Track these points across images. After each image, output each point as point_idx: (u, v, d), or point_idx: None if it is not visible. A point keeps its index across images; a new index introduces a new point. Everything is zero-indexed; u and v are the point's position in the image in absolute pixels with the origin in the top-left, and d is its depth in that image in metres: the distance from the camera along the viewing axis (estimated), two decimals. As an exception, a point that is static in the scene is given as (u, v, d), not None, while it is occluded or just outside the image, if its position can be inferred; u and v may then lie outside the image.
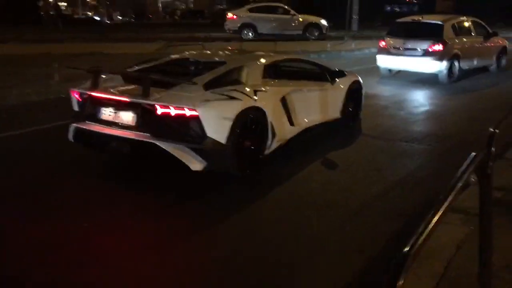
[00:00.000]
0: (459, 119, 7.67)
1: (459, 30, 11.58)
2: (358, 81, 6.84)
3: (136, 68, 5.33)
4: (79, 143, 4.89)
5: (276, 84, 5.35)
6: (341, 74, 6.50)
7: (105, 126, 4.57)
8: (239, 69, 5.02)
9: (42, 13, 29.26)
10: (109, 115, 4.57)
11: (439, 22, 11.40)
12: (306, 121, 5.72)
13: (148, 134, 4.31)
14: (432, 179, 4.82)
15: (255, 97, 4.76)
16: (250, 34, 22.10)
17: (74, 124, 4.76)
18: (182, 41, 18.73)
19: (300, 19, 22.20)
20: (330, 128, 6.37)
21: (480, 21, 12.53)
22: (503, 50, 13.12)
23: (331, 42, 19.19)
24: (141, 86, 4.33)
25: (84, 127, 4.66)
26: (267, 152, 5.07)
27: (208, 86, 4.51)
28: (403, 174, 5.02)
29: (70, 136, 4.85)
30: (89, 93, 4.66)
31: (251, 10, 22.89)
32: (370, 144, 6.18)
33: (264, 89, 4.98)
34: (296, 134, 5.55)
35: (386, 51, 11.89)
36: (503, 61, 13.24)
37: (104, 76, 4.88)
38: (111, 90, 4.61)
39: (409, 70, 11.71)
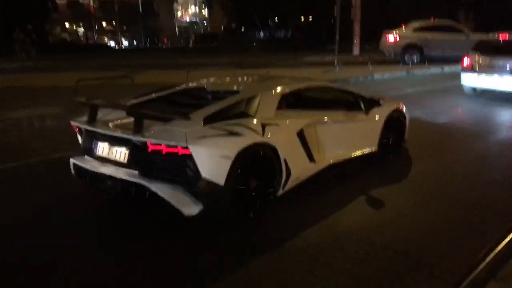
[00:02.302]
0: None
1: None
2: (399, 110, 6.07)
3: (140, 99, 5.00)
4: (81, 179, 4.62)
5: (293, 115, 4.78)
6: (378, 102, 5.79)
7: (100, 162, 4.27)
8: (249, 99, 4.52)
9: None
10: (104, 150, 4.25)
11: None
12: (332, 156, 5.08)
13: (136, 173, 3.92)
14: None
15: (264, 132, 4.23)
16: (415, 58, 19.30)
17: (72, 159, 4.50)
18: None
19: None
20: (367, 163, 5.66)
21: None
22: None
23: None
24: (133, 121, 3.97)
25: (79, 162, 4.38)
26: (280, 192, 4.50)
27: (208, 120, 4.05)
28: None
29: (72, 171, 4.60)
30: (85, 127, 4.39)
31: (418, 30, 19.64)
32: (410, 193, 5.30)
33: (276, 122, 4.43)
34: (319, 171, 4.92)
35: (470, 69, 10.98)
36: None
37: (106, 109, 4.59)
38: (107, 124, 4.30)
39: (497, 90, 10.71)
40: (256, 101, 4.52)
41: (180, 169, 3.84)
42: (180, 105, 4.83)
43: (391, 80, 15.96)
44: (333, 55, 20.12)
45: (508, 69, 10.22)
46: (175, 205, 3.79)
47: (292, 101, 5.09)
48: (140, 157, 3.94)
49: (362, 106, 5.58)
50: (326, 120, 5.06)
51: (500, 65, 10.38)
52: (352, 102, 5.64)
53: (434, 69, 18.15)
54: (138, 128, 3.92)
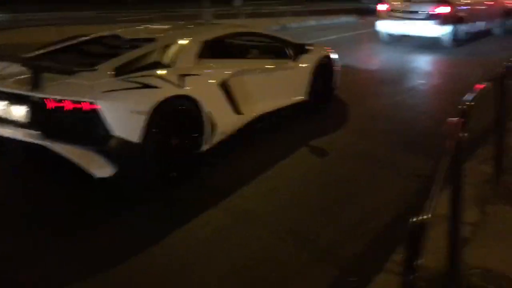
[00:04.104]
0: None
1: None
2: (328, 56, 5.86)
3: (45, 50, 4.49)
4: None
5: (216, 64, 4.46)
6: (306, 48, 5.53)
7: None
8: (165, 48, 4.14)
9: None
10: (2, 110, 3.78)
11: None
12: (260, 107, 4.84)
13: (39, 133, 3.52)
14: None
15: (183, 83, 3.90)
16: None
17: None
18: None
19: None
20: (297, 112, 5.47)
21: None
22: (509, 12, 11.84)
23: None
24: (31, 76, 3.52)
25: None
26: (206, 147, 4.24)
27: (118, 72, 3.67)
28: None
29: None
30: None
31: None
32: (341, 136, 5.20)
33: (197, 73, 4.10)
34: (247, 123, 4.68)
35: (386, 14, 10.81)
36: (509, 23, 11.99)
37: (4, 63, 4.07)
38: (4, 80, 3.81)
39: (412, 35, 10.67)
40: (174, 50, 4.16)
41: (87, 128, 3.47)
42: (90, 56, 4.38)
43: (304, 29, 15.34)
44: (217, 7, 17.89)
45: (422, 13, 10.19)
46: (84, 167, 3.46)
47: (216, 50, 4.73)
48: (41, 116, 3.53)
49: (290, 52, 5.32)
50: (252, 69, 4.78)
51: (415, 10, 10.34)
52: (279, 49, 5.36)
53: (347, 18, 17.83)
54: (36, 82, 3.48)
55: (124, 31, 4.94)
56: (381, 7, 11.05)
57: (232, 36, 5.12)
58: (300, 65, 5.39)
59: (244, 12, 17.21)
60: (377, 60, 9.92)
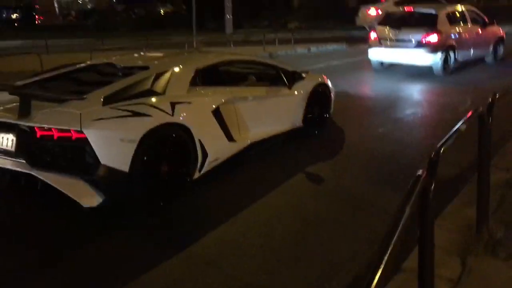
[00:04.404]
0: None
1: (454, 19, 10.53)
2: (323, 83, 5.86)
3: (35, 78, 4.42)
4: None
5: (209, 92, 4.42)
6: (301, 76, 5.53)
7: None
8: (158, 76, 4.10)
9: None
10: None
11: (433, 11, 10.36)
12: (254, 134, 4.78)
13: (26, 162, 3.42)
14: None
15: (174, 111, 3.84)
16: None
17: None
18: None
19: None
20: (290, 139, 5.41)
21: (476, 10, 11.48)
22: (500, 40, 12.01)
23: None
24: (19, 104, 3.44)
25: None
26: (197, 175, 4.16)
27: (108, 100, 3.60)
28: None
29: None
30: None
31: (398, 3, 17.28)
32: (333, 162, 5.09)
33: (188, 100, 4.06)
34: (239, 150, 4.62)
35: (377, 43, 10.90)
36: (500, 52, 12.13)
37: None
38: None
39: (402, 63, 10.73)
40: (166, 78, 4.12)
41: (75, 156, 3.40)
42: (82, 84, 4.33)
43: (293, 57, 14.85)
44: (206, 35, 18.11)
45: (411, 41, 10.26)
46: (72, 196, 3.36)
47: (209, 77, 4.70)
48: (28, 144, 3.44)
49: (285, 80, 5.31)
50: (246, 96, 4.75)
51: (405, 38, 10.40)
52: (274, 76, 5.35)
53: (336, 45, 17.74)
54: (24, 110, 3.41)
55: (118, 59, 4.90)
56: (372, 35, 11.16)
57: (226, 64, 5.11)
58: (295, 92, 5.37)
59: (233, 40, 17.32)
60: (366, 88, 9.87)
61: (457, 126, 2.58)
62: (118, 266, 3.05)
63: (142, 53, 5.42)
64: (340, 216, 3.72)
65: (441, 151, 2.24)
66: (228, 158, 4.49)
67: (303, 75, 5.60)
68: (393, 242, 1.45)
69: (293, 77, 5.41)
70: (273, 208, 3.91)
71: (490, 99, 3.18)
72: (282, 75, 5.32)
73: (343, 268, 2.96)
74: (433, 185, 1.95)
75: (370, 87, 9.96)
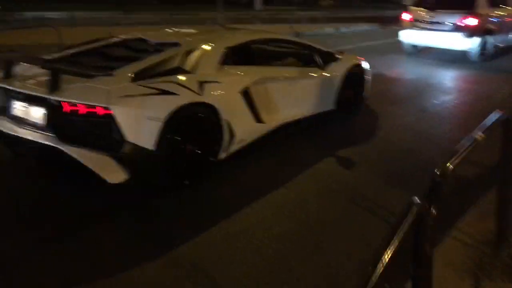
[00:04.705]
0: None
1: (494, 2, 10.05)
2: (359, 65, 5.68)
3: (67, 52, 4.39)
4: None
5: (239, 72, 4.32)
6: (336, 57, 5.37)
7: (16, 123, 3.73)
8: (187, 53, 4.02)
9: None
10: (21, 110, 3.71)
11: None
12: (282, 116, 4.69)
13: (54, 136, 3.43)
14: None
15: (202, 90, 3.78)
16: None
17: None
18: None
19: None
20: (323, 121, 5.27)
21: None
22: None
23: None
24: (49, 78, 3.43)
25: None
26: (223, 155, 4.11)
27: (137, 77, 3.56)
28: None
29: None
30: (1, 84, 3.82)
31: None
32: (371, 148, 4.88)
33: (218, 80, 3.98)
34: (267, 132, 4.54)
35: (410, 24, 10.52)
36: None
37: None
38: (25, 81, 3.72)
39: (437, 47, 10.34)
40: (196, 56, 4.03)
41: (101, 132, 3.37)
42: (112, 59, 4.28)
43: (320, 36, 14.72)
44: (234, 10, 17.70)
45: (448, 24, 9.83)
46: (97, 172, 3.35)
47: (240, 56, 4.60)
48: (57, 119, 3.43)
49: (319, 61, 5.16)
50: (277, 77, 4.63)
51: (441, 20, 9.96)
52: (307, 57, 5.21)
53: (366, 26, 17.19)
54: (53, 85, 3.39)
55: (150, 34, 4.83)
56: (405, 16, 10.77)
57: (257, 42, 4.98)
58: (329, 73, 5.22)
59: (260, 17, 17.07)
60: (395, 73, 9.43)
61: (472, 135, 2.15)
62: (93, 265, 2.85)
63: (174, 29, 5.31)
64: (342, 218, 3.42)
65: (449, 169, 1.79)
66: (256, 139, 4.43)
67: (338, 56, 5.43)
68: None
69: (327, 58, 5.25)
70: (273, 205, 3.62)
71: None
72: (316, 55, 5.17)
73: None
74: (435, 214, 1.60)
75: (400, 72, 9.59)
